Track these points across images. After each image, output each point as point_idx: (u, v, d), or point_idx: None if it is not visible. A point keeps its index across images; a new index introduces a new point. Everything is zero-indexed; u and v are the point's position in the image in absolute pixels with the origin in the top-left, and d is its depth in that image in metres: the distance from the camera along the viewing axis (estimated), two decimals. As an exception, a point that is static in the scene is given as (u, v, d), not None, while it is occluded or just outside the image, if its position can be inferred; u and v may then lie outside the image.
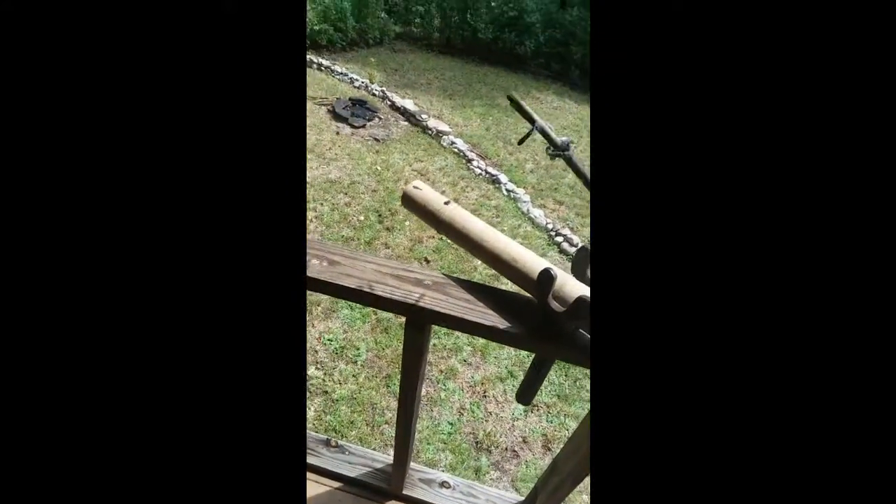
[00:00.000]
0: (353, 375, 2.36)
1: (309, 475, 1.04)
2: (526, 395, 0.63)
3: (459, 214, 0.60)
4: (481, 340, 2.55)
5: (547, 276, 0.50)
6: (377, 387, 2.33)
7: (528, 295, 0.56)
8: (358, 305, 2.62)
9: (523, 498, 1.01)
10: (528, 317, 0.55)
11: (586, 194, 3.93)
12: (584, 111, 5.18)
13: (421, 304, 0.56)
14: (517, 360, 2.52)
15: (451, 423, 2.24)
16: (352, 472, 1.02)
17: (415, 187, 0.64)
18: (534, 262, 0.55)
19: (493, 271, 0.59)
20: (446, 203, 0.61)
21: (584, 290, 0.51)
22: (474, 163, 3.82)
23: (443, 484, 1.02)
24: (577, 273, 0.54)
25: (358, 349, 2.49)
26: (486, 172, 3.75)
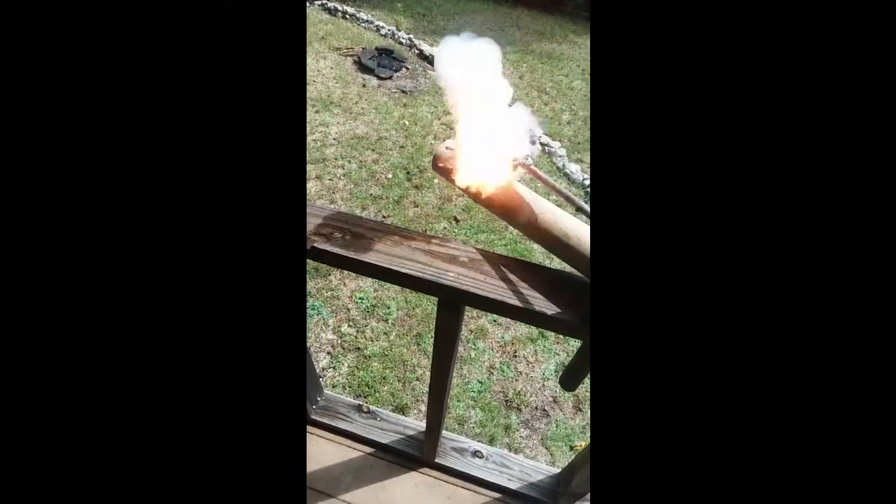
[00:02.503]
0: (385, 333, 2.39)
1: (342, 440, 1.05)
2: (571, 381, 0.57)
3: (497, 183, 0.51)
4: (512, 301, 2.51)
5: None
6: (408, 344, 2.36)
7: (580, 275, 0.49)
8: (388, 265, 2.62)
9: (559, 470, 0.98)
10: (579, 298, 0.48)
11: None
12: (628, 54, 4.76)
13: (455, 285, 0.49)
14: (549, 321, 2.48)
15: (481, 382, 2.25)
16: (384, 438, 1.02)
17: (447, 147, 0.55)
18: (585, 234, 0.47)
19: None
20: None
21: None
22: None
23: (475, 453, 1.00)
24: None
25: (388, 308, 2.51)
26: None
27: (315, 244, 0.52)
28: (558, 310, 0.47)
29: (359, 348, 2.30)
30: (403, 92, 3.82)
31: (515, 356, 2.34)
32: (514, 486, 0.96)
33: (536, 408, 2.16)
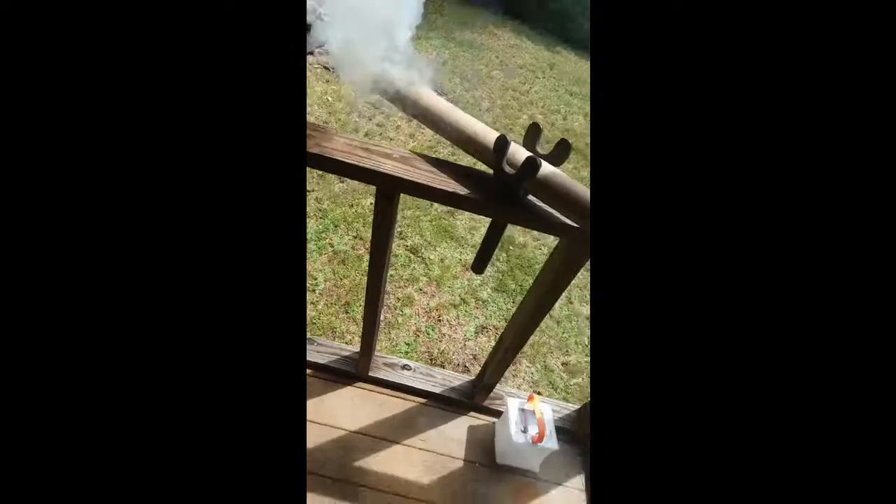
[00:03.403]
0: (312, 303, 2.42)
1: (280, 366, 1.12)
2: (480, 263, 0.72)
3: (426, 93, 0.65)
4: (436, 270, 2.68)
5: (503, 141, 0.58)
6: (336, 313, 2.41)
7: (486, 169, 0.65)
8: (314, 238, 2.64)
9: (474, 377, 1.15)
10: (485, 185, 0.63)
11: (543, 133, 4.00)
12: (541, 52, 5.16)
13: (392, 173, 0.62)
14: (469, 288, 2.68)
15: (408, 344, 2.38)
16: (321, 359, 1.12)
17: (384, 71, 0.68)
18: (492, 135, 0.62)
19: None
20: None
21: (531, 155, 0.60)
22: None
23: (404, 367, 1.14)
24: (528, 145, 0.62)
25: (316, 279, 2.53)
26: (442, 109, 3.72)
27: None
28: (469, 191, 0.63)
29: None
30: (325, 68, 3.80)
31: (440, 321, 2.51)
32: (437, 390, 1.11)
33: (458, 364, 2.35)
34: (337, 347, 1.14)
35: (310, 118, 3.32)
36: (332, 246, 2.60)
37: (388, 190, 0.66)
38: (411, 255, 2.71)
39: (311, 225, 2.68)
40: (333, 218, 2.74)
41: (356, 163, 0.62)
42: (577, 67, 5.10)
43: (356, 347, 1.13)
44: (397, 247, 2.66)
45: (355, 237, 2.66)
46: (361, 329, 1.00)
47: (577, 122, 4.20)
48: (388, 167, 0.63)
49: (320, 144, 0.63)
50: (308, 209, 2.73)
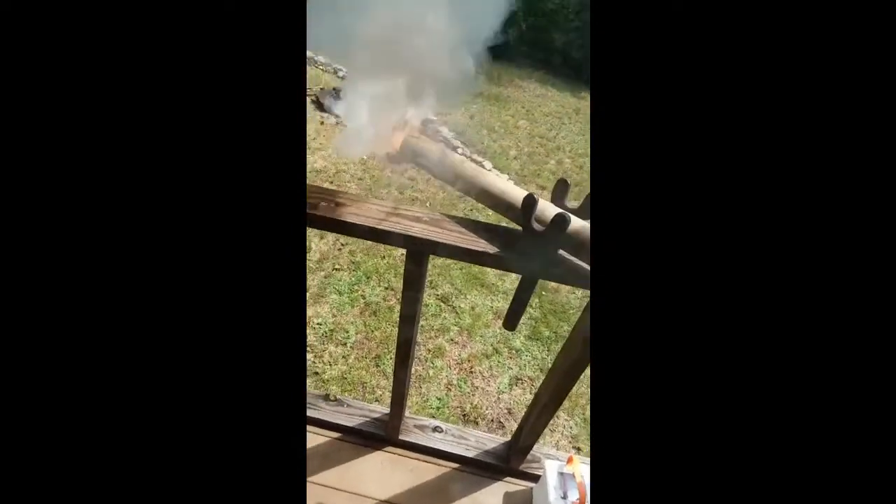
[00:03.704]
0: (343, 357, 2.41)
1: (309, 428, 1.10)
2: (512, 320, 0.70)
3: (454, 157, 0.66)
4: (467, 319, 2.63)
5: (531, 200, 0.57)
6: (367, 367, 2.38)
7: (515, 226, 0.63)
8: (346, 290, 2.67)
9: (509, 438, 1.08)
10: (515, 242, 0.62)
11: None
12: (566, 99, 5.29)
13: (419, 235, 0.62)
14: (502, 337, 2.61)
15: (440, 399, 2.31)
16: (350, 422, 1.08)
17: (413, 136, 0.70)
18: (520, 193, 0.62)
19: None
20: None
21: (560, 211, 0.58)
22: (459, 150, 3.89)
23: (435, 429, 1.09)
24: (556, 200, 0.61)
25: (347, 332, 2.53)
26: (472, 159, 3.83)
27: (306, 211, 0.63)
28: (497, 249, 0.61)
29: (317, 373, 2.30)
30: (360, 128, 4.02)
31: (472, 372, 2.43)
32: (470, 454, 1.05)
33: (492, 420, 2.24)
34: (367, 409, 1.11)
35: (346, 174, 3.47)
36: (363, 298, 2.62)
37: (418, 253, 0.66)
38: (442, 304, 2.69)
39: (345, 277, 2.73)
40: (366, 269, 2.78)
41: (388, 228, 0.63)
42: (603, 113, 5.16)
43: (386, 407, 1.10)
44: (428, 296, 2.65)
45: (387, 288, 2.68)
46: (392, 386, 0.97)
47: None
48: (418, 230, 0.63)
49: (354, 213, 0.64)
50: (342, 262, 2.79)
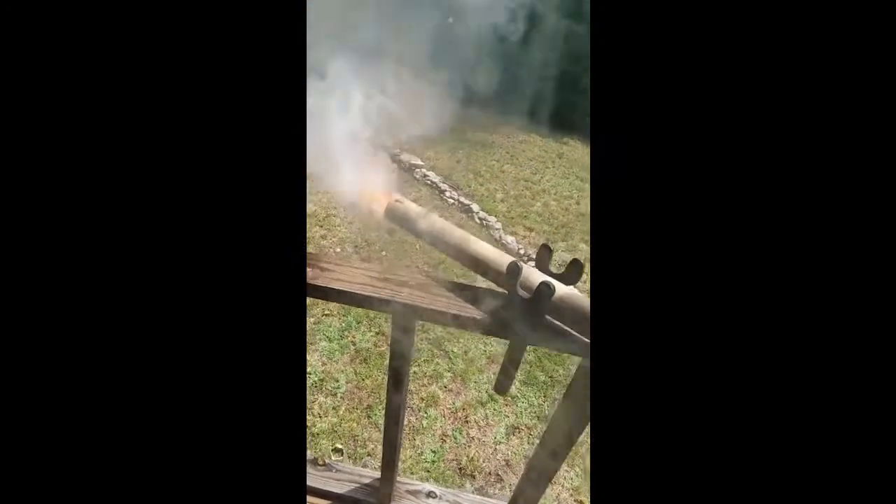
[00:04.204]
0: (334, 408, 2.33)
1: (295, 496, 1.04)
2: (503, 384, 0.68)
3: (439, 222, 0.67)
4: (460, 364, 2.58)
5: (515, 267, 0.57)
6: (358, 418, 2.30)
7: (502, 290, 0.64)
8: (336, 337, 2.62)
9: (507, 500, 1.03)
10: (502, 307, 0.62)
11: (554, 221, 4.13)
12: (549, 144, 5.48)
13: (406, 301, 0.62)
14: (497, 383, 2.55)
15: (434, 451, 2.22)
16: (339, 488, 1.03)
17: (397, 201, 0.71)
18: (505, 259, 0.62)
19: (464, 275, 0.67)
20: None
21: (545, 279, 0.59)
22: (447, 193, 3.96)
23: (429, 494, 1.04)
24: (540, 266, 0.62)
25: (337, 381, 2.46)
26: (459, 202, 3.89)
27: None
28: (484, 314, 0.61)
29: (307, 426, 2.22)
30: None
31: (467, 422, 2.36)
32: (467, 522, 1.00)
33: (490, 473, 2.15)
34: (357, 474, 1.06)
35: (336, 217, 3.50)
36: (354, 344, 2.57)
37: (406, 319, 0.65)
38: (434, 349, 2.64)
39: (335, 323, 2.69)
40: (356, 314, 2.74)
41: (373, 294, 0.63)
42: (585, 154, 5.35)
43: (376, 471, 1.05)
44: (419, 341, 2.60)
45: (377, 333, 2.64)
46: (382, 450, 0.94)
47: (589, 207, 4.30)
48: (405, 295, 0.63)
49: (339, 279, 0.64)
50: (331, 307, 2.76)
